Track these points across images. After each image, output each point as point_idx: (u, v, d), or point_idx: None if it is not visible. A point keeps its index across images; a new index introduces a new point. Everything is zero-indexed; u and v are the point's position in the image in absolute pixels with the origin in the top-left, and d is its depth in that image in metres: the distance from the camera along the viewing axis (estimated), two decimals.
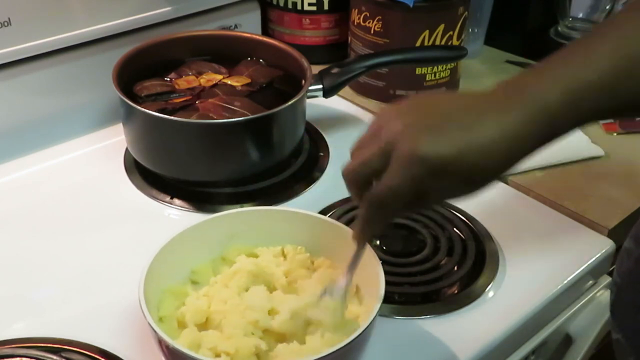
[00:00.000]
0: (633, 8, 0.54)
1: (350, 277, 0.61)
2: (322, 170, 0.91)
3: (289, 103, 0.83)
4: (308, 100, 0.90)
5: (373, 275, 0.61)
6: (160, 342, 0.56)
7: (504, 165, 0.53)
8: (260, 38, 1.00)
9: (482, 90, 0.54)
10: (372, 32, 1.01)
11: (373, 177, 0.54)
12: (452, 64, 1.04)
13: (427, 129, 0.51)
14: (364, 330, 0.56)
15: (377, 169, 0.53)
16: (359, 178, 0.55)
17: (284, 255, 0.69)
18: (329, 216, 0.77)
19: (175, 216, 0.83)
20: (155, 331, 0.56)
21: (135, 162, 0.90)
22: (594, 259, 0.78)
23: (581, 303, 0.80)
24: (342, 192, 0.84)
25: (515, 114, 0.51)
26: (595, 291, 0.81)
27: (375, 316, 0.57)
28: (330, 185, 0.88)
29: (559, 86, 0.52)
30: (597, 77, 0.51)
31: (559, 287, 0.75)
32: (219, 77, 0.93)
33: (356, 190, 0.56)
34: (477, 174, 0.52)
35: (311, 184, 0.88)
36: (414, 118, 0.53)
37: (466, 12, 1.02)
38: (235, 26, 1.07)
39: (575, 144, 0.95)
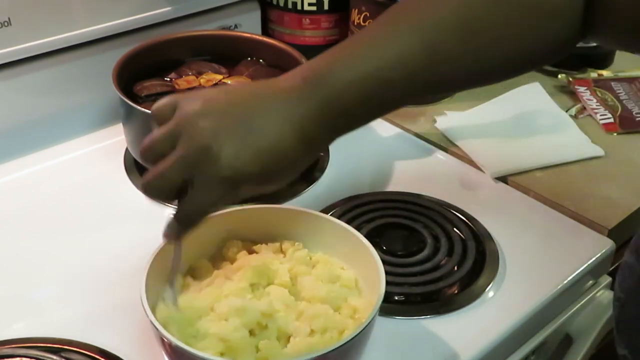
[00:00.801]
0: None
1: (174, 278, 0.61)
2: (322, 170, 0.91)
3: None
4: None
5: (373, 273, 0.62)
6: (163, 340, 0.56)
7: (302, 161, 0.55)
8: (260, 38, 1.00)
9: (288, 77, 0.55)
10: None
11: (174, 191, 0.55)
12: None
13: (228, 144, 0.52)
14: (365, 327, 0.56)
15: (178, 184, 0.54)
16: (162, 192, 0.55)
17: (283, 252, 0.69)
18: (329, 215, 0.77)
19: None
20: (157, 329, 0.56)
21: (135, 162, 0.90)
22: (594, 259, 0.78)
23: (581, 303, 0.80)
24: (342, 192, 0.85)
25: (310, 106, 0.53)
26: (595, 291, 0.81)
27: (375, 313, 0.57)
28: (330, 185, 0.88)
29: (354, 78, 0.53)
30: (399, 74, 0.53)
31: (559, 287, 0.75)
32: (219, 77, 0.93)
33: (163, 201, 0.58)
34: (277, 175, 0.54)
35: (311, 184, 0.88)
36: (214, 126, 0.53)
37: None
38: (235, 26, 1.07)
39: (575, 144, 0.95)
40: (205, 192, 0.53)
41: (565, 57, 0.60)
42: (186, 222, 0.56)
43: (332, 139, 0.56)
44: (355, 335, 0.55)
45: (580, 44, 0.58)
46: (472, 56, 0.55)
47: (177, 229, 0.57)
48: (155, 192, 0.56)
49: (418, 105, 1.00)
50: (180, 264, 0.61)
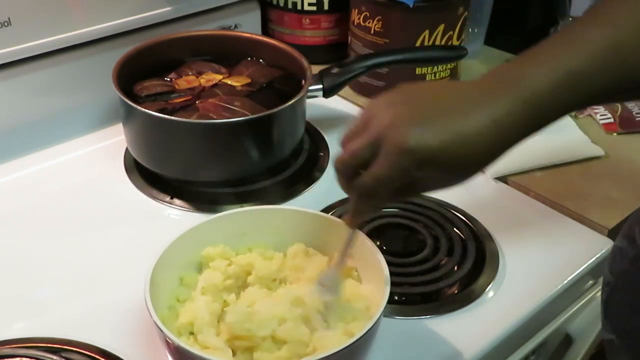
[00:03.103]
0: None
1: (342, 262, 0.62)
2: (322, 170, 0.91)
3: (289, 103, 0.83)
4: (308, 100, 0.90)
5: (377, 272, 0.62)
6: (167, 341, 0.56)
7: (489, 156, 0.54)
8: (260, 38, 1.00)
9: (473, 80, 0.55)
10: (372, 32, 1.01)
11: (361, 168, 0.55)
12: (452, 64, 1.04)
13: (415, 120, 0.52)
14: (370, 328, 0.56)
15: (366, 159, 0.54)
16: (349, 169, 0.56)
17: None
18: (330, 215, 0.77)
19: (175, 216, 0.83)
20: (161, 330, 0.56)
21: (135, 162, 0.90)
22: (594, 259, 0.78)
23: (581, 303, 0.80)
24: (342, 192, 0.85)
25: (504, 104, 0.52)
26: (595, 291, 0.81)
27: (381, 313, 0.57)
28: (331, 185, 0.87)
29: (547, 75, 0.52)
30: (587, 66, 0.52)
31: (559, 287, 0.75)
32: (219, 77, 0.93)
33: (345, 180, 0.57)
34: (463, 165, 0.53)
35: (311, 184, 0.88)
36: (402, 109, 0.53)
37: (466, 12, 1.02)
38: (235, 26, 1.07)
39: (575, 144, 0.95)
40: (387, 160, 0.53)
41: None
42: (366, 195, 0.56)
43: (521, 137, 0.54)
44: (361, 337, 0.55)
45: None
46: None
47: (359, 208, 0.58)
48: (346, 166, 0.56)
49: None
50: (352, 248, 0.62)
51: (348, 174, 0.56)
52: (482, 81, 0.54)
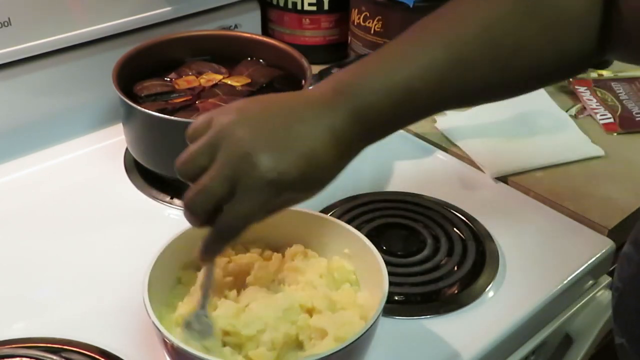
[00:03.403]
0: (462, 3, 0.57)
1: (206, 300, 0.59)
2: None
3: None
4: None
5: (376, 273, 0.62)
6: (165, 341, 0.56)
7: (338, 168, 0.55)
8: (260, 38, 1.00)
9: (316, 88, 0.56)
10: (372, 32, 1.01)
11: (220, 203, 0.53)
12: None
13: (268, 151, 0.51)
14: (368, 329, 0.56)
15: (223, 196, 0.52)
16: (207, 205, 0.53)
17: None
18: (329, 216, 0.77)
19: (175, 216, 0.83)
20: (160, 330, 0.56)
21: (135, 162, 0.90)
22: (594, 259, 0.78)
23: (581, 303, 0.80)
24: (342, 192, 0.85)
25: (342, 115, 0.53)
26: (595, 291, 0.81)
27: (379, 314, 0.57)
28: (330, 185, 0.88)
29: (384, 88, 0.54)
30: (425, 84, 0.54)
31: (559, 287, 0.75)
32: (219, 77, 0.93)
33: (202, 221, 0.54)
34: (317, 183, 0.55)
35: None
36: (252, 134, 0.52)
37: None
38: (235, 26, 1.07)
39: (575, 144, 0.95)
40: (248, 198, 0.52)
41: None
42: (228, 232, 0.54)
43: (363, 146, 0.56)
44: (359, 337, 0.55)
45: None
46: (496, 66, 0.56)
47: (216, 245, 0.56)
48: (199, 207, 0.53)
49: None
50: (213, 285, 0.60)
51: (204, 214, 0.53)
52: (323, 90, 0.55)
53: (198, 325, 0.58)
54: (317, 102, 0.55)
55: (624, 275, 0.62)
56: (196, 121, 0.57)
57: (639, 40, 0.56)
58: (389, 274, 0.61)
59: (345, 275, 0.66)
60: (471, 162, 0.92)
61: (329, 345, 0.57)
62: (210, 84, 0.91)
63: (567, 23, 0.56)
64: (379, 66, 0.56)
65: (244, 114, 0.54)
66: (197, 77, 0.93)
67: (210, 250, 0.56)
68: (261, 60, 0.97)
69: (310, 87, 0.58)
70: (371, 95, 0.54)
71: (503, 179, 0.89)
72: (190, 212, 0.53)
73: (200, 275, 0.62)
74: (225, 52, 0.97)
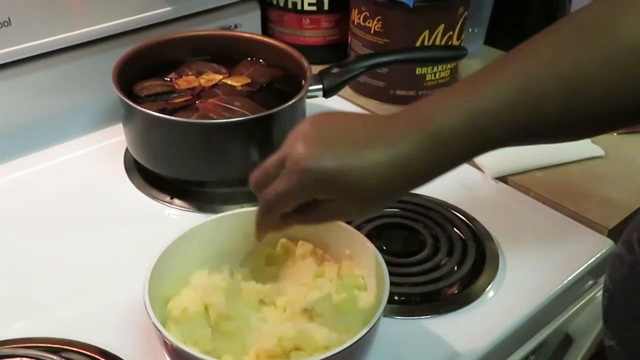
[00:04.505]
0: (541, 36, 0.55)
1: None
2: None
3: (289, 103, 0.83)
4: (308, 100, 0.90)
5: (377, 273, 0.62)
6: (165, 342, 0.56)
7: (385, 192, 0.55)
8: (260, 38, 1.00)
9: (391, 114, 0.56)
10: (372, 32, 1.01)
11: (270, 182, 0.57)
12: (452, 64, 1.04)
13: (318, 144, 0.54)
14: (369, 330, 0.56)
15: (273, 176, 0.57)
16: (260, 185, 0.58)
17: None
18: None
19: (175, 216, 0.83)
20: (160, 331, 0.56)
21: (135, 162, 0.90)
22: (594, 259, 0.78)
23: (581, 303, 0.80)
24: None
25: (407, 143, 0.53)
26: (595, 291, 0.81)
27: (380, 314, 0.57)
28: None
29: (455, 115, 0.53)
30: (495, 108, 0.53)
31: (559, 287, 0.75)
32: (219, 77, 0.93)
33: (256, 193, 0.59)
34: (358, 192, 0.54)
35: None
36: (312, 133, 0.55)
37: (466, 12, 1.02)
38: (235, 26, 1.07)
39: (575, 144, 0.94)
40: (287, 175, 0.55)
41: None
42: (267, 205, 0.58)
43: (429, 177, 0.55)
44: (360, 338, 0.55)
45: None
46: (572, 105, 0.54)
47: (262, 218, 0.60)
48: (253, 183, 0.59)
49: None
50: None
51: (259, 190, 0.59)
52: (396, 116, 0.55)
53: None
54: (386, 122, 0.55)
55: (615, 277, 0.61)
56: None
57: None
58: (389, 274, 0.61)
59: (353, 280, 0.66)
60: (471, 162, 0.92)
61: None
62: (210, 84, 0.91)
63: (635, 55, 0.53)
64: (452, 95, 0.55)
65: (311, 134, 0.56)
66: (197, 77, 0.93)
67: (259, 225, 0.61)
68: (261, 60, 0.97)
69: (385, 116, 0.57)
70: (441, 124, 0.53)
71: (503, 179, 0.89)
72: (251, 188, 0.59)
73: None
74: (225, 52, 0.97)
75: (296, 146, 0.55)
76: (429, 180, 0.55)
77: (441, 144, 0.53)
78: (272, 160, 0.57)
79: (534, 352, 0.75)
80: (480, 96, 0.53)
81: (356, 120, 0.58)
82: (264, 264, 0.69)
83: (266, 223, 0.60)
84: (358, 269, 0.66)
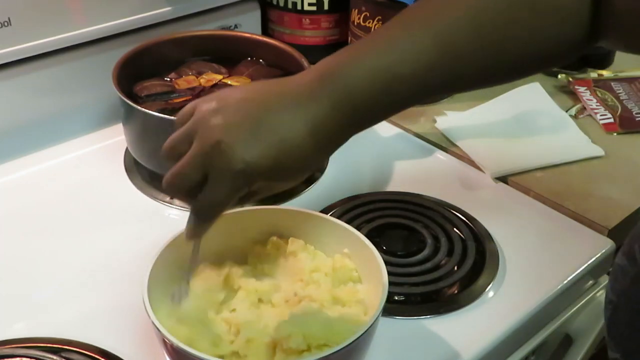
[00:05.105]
0: None
1: (189, 273, 0.62)
2: (322, 170, 0.91)
3: None
4: None
5: (376, 272, 0.62)
6: (165, 341, 0.56)
7: (316, 158, 0.55)
8: (260, 38, 1.00)
9: (299, 76, 0.56)
10: (372, 32, 1.01)
11: (195, 187, 0.55)
12: None
13: (241, 140, 0.53)
14: (368, 329, 0.56)
15: (197, 180, 0.55)
16: (182, 189, 0.56)
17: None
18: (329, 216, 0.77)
19: (175, 216, 0.83)
20: (159, 331, 0.56)
21: (135, 162, 0.90)
22: (594, 259, 0.78)
23: (581, 303, 0.80)
24: (342, 192, 0.85)
25: (324, 104, 0.53)
26: (595, 291, 0.81)
27: (379, 314, 0.57)
28: (330, 185, 0.88)
29: (368, 74, 0.53)
30: (411, 71, 0.54)
31: (559, 287, 0.75)
32: (219, 77, 0.93)
33: (183, 198, 0.59)
34: (291, 172, 0.55)
35: (311, 184, 0.88)
36: (228, 122, 0.54)
37: None
38: (235, 26, 1.07)
39: (575, 144, 0.95)
40: (218, 185, 0.54)
41: None
42: (203, 216, 0.57)
43: (344, 136, 0.56)
44: (359, 337, 0.55)
45: None
46: (483, 54, 0.56)
47: (196, 226, 0.58)
48: (175, 189, 0.56)
49: (425, 104, 1.00)
50: (197, 262, 0.62)
51: (182, 193, 0.57)
52: (308, 79, 0.55)
53: (178, 297, 0.61)
54: (299, 90, 0.55)
55: (618, 288, 0.61)
56: (183, 109, 0.58)
57: (630, 26, 0.56)
58: (389, 274, 0.61)
59: (347, 273, 0.66)
60: (471, 162, 0.92)
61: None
62: (210, 84, 0.91)
63: (558, 8, 0.56)
64: (365, 52, 0.55)
65: (223, 102, 0.55)
66: (197, 77, 0.93)
67: (192, 232, 0.59)
68: (261, 60, 0.97)
69: (298, 74, 0.57)
70: (355, 81, 0.53)
71: (503, 179, 0.89)
72: (169, 193, 0.57)
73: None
74: (225, 52, 0.97)
75: (218, 147, 0.53)
76: (345, 141, 0.56)
77: (354, 105, 0.54)
78: (189, 163, 0.54)
79: (534, 352, 0.75)
80: (399, 60, 0.54)
81: (267, 96, 0.56)
82: (260, 262, 0.69)
83: (205, 226, 0.58)
84: (351, 261, 0.66)
